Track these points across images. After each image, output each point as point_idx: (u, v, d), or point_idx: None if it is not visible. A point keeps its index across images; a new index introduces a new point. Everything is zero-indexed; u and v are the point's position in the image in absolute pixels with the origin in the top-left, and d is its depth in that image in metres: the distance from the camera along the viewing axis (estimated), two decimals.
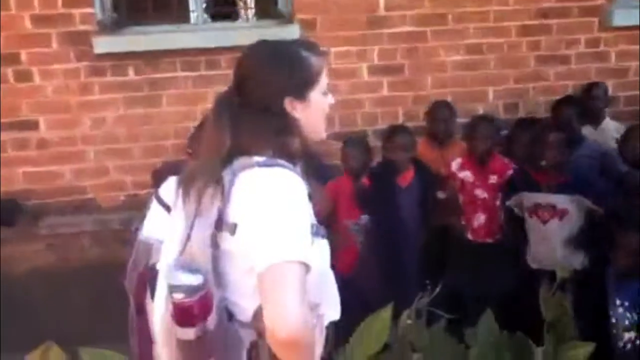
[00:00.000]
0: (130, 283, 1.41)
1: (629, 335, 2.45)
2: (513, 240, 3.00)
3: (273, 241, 1.21)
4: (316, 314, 1.33)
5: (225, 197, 1.26)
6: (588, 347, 2.32)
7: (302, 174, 1.33)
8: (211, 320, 1.24)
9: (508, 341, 2.46)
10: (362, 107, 3.69)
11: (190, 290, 1.21)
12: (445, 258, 3.13)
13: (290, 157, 1.33)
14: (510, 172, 3.09)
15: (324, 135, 1.42)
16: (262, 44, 1.40)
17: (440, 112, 3.50)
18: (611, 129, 3.41)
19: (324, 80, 1.39)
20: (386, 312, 2.35)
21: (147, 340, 1.37)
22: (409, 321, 2.29)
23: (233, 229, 1.25)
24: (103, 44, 3.46)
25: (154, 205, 1.47)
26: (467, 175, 3.13)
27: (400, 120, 3.67)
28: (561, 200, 2.79)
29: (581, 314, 2.58)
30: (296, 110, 1.35)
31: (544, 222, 2.83)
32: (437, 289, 2.48)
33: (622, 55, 3.86)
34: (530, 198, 2.87)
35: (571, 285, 2.63)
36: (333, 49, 3.65)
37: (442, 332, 2.45)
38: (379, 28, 3.67)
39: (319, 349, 1.32)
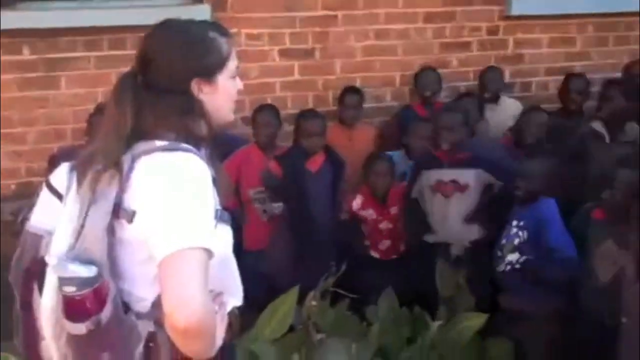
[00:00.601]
0: (15, 278, 1.33)
1: (512, 256, 2.62)
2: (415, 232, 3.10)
3: (174, 227, 1.18)
4: (219, 300, 1.33)
5: (123, 183, 1.22)
6: (480, 319, 2.49)
7: (208, 158, 1.30)
8: (105, 313, 1.20)
9: (407, 317, 2.60)
10: (272, 91, 3.70)
11: (82, 282, 1.17)
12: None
13: (194, 140, 1.30)
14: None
15: (231, 118, 1.41)
16: (169, 23, 1.36)
17: (349, 97, 3.58)
18: (511, 107, 3.63)
19: (232, 64, 1.36)
20: (292, 295, 2.40)
21: (34, 337, 1.31)
22: (313, 302, 2.36)
23: (131, 216, 1.22)
24: None
25: (44, 193, 1.36)
26: (369, 213, 3.19)
27: (310, 105, 3.70)
28: (462, 175, 2.95)
29: (475, 286, 2.75)
30: (203, 92, 1.33)
31: (447, 197, 2.97)
32: (342, 270, 2.58)
33: (519, 43, 4.09)
34: (434, 175, 3.00)
35: (465, 260, 2.79)
36: (244, 31, 3.64)
37: (346, 311, 2.54)
38: (291, 11, 3.68)
39: (220, 336, 1.31)
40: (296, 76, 3.76)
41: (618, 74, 4.05)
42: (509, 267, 2.65)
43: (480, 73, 3.88)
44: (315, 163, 3.18)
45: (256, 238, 3.15)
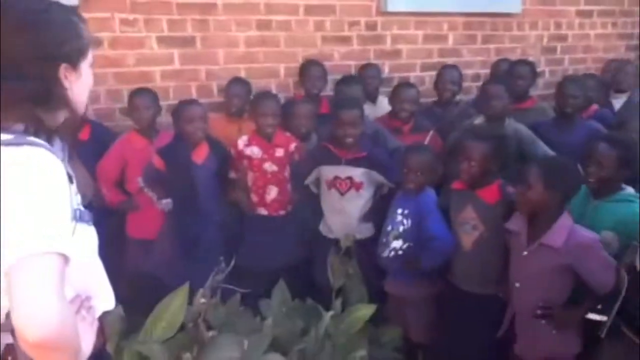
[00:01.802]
0: None
1: (396, 243, 2.73)
2: (308, 212, 3.13)
3: (23, 231, 1.06)
4: (87, 305, 1.25)
5: None
6: (370, 309, 2.55)
7: (64, 152, 1.21)
8: None
9: (300, 309, 2.60)
10: (153, 80, 3.53)
11: None
12: (238, 233, 3.17)
13: (46, 133, 1.18)
14: (294, 144, 3.22)
15: (84, 109, 1.31)
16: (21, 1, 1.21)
17: (236, 87, 3.52)
18: (386, 107, 3.74)
19: (90, 52, 1.29)
20: (182, 292, 2.31)
21: None
22: (202, 300, 2.27)
23: None
24: None
25: None
26: (254, 151, 3.18)
27: (194, 95, 3.59)
28: (357, 173, 3.00)
29: (367, 279, 2.82)
30: (68, 80, 1.23)
31: (342, 193, 3.01)
32: (231, 265, 2.51)
33: (395, 38, 4.24)
34: (330, 171, 3.03)
35: (356, 253, 2.84)
36: (117, 15, 3.43)
37: (237, 306, 2.49)
38: None
39: (90, 343, 1.24)
40: (177, 65, 3.62)
41: (486, 71, 4.36)
42: (392, 253, 2.74)
43: (360, 69, 3.98)
44: (200, 154, 3.09)
45: (146, 226, 3.07)
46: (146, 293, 2.61)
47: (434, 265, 2.67)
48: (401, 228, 2.72)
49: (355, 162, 3.00)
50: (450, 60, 4.24)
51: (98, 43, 3.32)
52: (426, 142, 3.29)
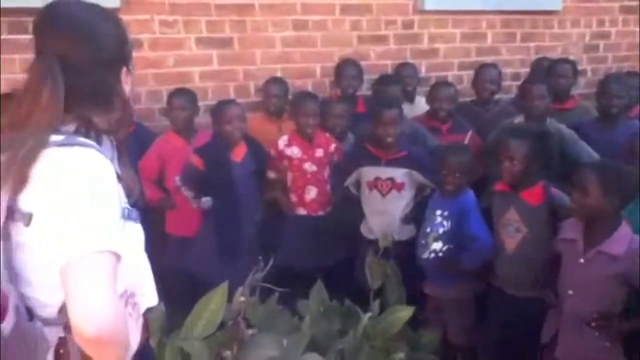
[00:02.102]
0: None
1: (436, 245, 2.70)
2: (349, 213, 3.12)
3: (77, 231, 1.09)
4: (132, 302, 1.28)
5: (18, 182, 1.11)
6: (408, 311, 2.53)
7: (113, 151, 1.23)
8: (6, 324, 1.10)
9: (338, 309, 2.59)
10: (191, 81, 3.57)
11: None
12: (279, 232, 3.18)
13: (96, 134, 1.21)
14: (334, 145, 3.23)
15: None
16: (79, 4, 1.25)
17: (273, 87, 3.54)
18: (423, 106, 3.71)
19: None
20: (222, 291, 2.33)
21: None
22: (242, 298, 2.29)
23: (28, 219, 1.12)
24: None
25: None
26: (294, 151, 3.19)
27: (232, 95, 3.62)
28: (398, 174, 2.97)
29: (406, 280, 2.80)
30: (125, 82, 1.28)
31: (384, 194, 2.99)
32: (270, 264, 2.53)
33: (433, 37, 4.20)
34: (371, 172, 3.01)
35: (395, 254, 2.82)
36: (157, 17, 3.47)
37: (276, 305, 2.50)
38: None
39: (136, 339, 1.26)
40: (215, 66, 3.66)
41: (525, 70, 4.28)
42: (432, 255, 2.71)
43: (397, 68, 3.95)
44: (238, 154, 3.12)
45: (184, 225, 3.12)
46: (185, 290, 2.65)
47: (474, 266, 2.63)
48: (441, 230, 2.70)
49: (395, 163, 2.99)
50: (488, 59, 4.17)
51: (138, 45, 3.37)
52: (465, 142, 3.25)
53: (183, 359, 2.17)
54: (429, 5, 4.09)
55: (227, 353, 2.18)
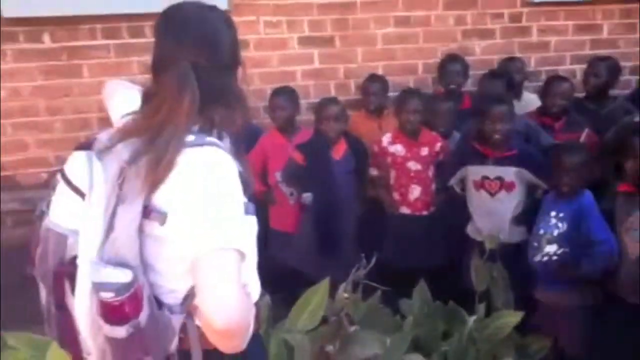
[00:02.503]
0: (44, 277, 1.27)
1: (550, 247, 2.56)
2: (453, 213, 3.05)
3: (208, 228, 1.15)
4: (245, 292, 1.29)
5: (155, 181, 1.17)
6: (516, 316, 2.42)
7: (232, 149, 1.27)
8: (143, 315, 1.17)
9: (442, 311, 2.53)
10: (293, 79, 3.62)
11: (120, 288, 1.13)
12: (381, 230, 3.15)
13: (218, 132, 1.26)
14: (439, 144, 3.16)
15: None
16: (200, 6, 1.30)
17: (372, 85, 3.52)
18: (533, 104, 3.53)
19: None
20: (324, 286, 2.35)
21: (71, 334, 1.27)
22: (345, 295, 2.29)
23: (163, 218, 1.18)
24: (12, 7, 3.17)
25: (62, 188, 1.28)
26: (398, 149, 3.16)
27: (332, 93, 3.64)
28: (508, 173, 2.86)
29: (513, 284, 2.68)
30: (241, 81, 1.33)
31: (492, 194, 2.89)
32: (372, 262, 2.51)
33: (543, 30, 4.00)
34: (478, 171, 2.91)
35: (501, 257, 2.71)
36: (262, 18, 3.55)
37: (378, 304, 2.48)
38: None
39: (250, 329, 1.29)
40: (316, 64, 3.69)
41: None
42: (546, 258, 2.58)
43: (502, 62, 3.80)
44: (339, 151, 3.13)
45: (283, 220, 3.19)
46: (287, 283, 2.69)
47: (596, 272, 2.47)
48: (555, 232, 2.55)
49: (504, 161, 2.86)
50: (605, 53, 3.91)
51: (245, 45, 3.48)
52: (581, 140, 3.06)
53: (287, 350, 2.20)
54: None
55: (330, 347, 2.19)
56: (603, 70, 3.49)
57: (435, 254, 3.04)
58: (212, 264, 1.14)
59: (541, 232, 2.61)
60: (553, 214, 2.58)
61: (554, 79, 3.41)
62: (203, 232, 1.15)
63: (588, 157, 2.58)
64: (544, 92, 3.35)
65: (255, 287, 1.39)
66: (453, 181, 3.01)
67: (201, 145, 1.20)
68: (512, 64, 3.75)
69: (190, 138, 1.20)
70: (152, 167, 1.17)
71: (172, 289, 1.24)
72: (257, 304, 1.37)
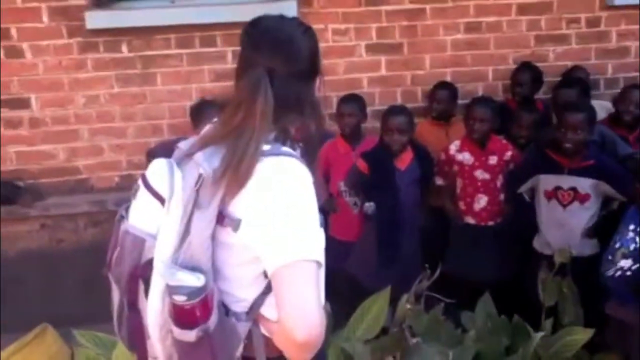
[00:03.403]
0: (118, 279, 1.30)
1: (624, 262, 2.44)
2: (521, 225, 2.97)
3: (289, 238, 1.16)
4: None
5: (232, 189, 1.19)
6: (586, 333, 2.32)
7: (304, 159, 1.27)
8: (213, 320, 1.19)
9: (506, 325, 2.46)
10: (360, 87, 3.63)
11: (192, 292, 1.16)
12: (444, 241, 3.11)
13: (290, 141, 1.27)
14: (510, 152, 3.08)
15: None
16: (280, 18, 1.34)
17: (440, 92, 3.47)
18: (602, 109, 3.38)
19: None
20: (384, 296, 2.35)
21: (140, 336, 1.31)
22: (408, 305, 2.27)
23: (237, 225, 1.19)
24: (95, 19, 3.37)
25: (143, 193, 1.30)
26: (466, 157, 3.10)
27: (398, 101, 3.62)
28: (583, 184, 2.75)
29: (583, 300, 2.58)
30: (318, 90, 1.34)
31: (564, 205, 2.79)
32: (437, 273, 2.47)
33: (622, 35, 3.82)
34: (551, 180, 2.83)
35: (571, 271, 2.61)
36: (330, 26, 3.58)
37: (440, 316, 2.44)
38: (378, 5, 3.59)
39: None
40: (383, 71, 3.68)
41: None
42: (619, 273, 2.45)
43: (568, 71, 3.65)
44: (404, 160, 3.10)
45: (345, 229, 3.15)
46: (347, 292, 2.69)
47: None
48: (632, 246, 2.43)
49: (581, 172, 2.75)
50: None
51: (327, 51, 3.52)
52: None
53: (345, 359, 2.21)
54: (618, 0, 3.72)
55: (390, 358, 2.18)
56: None
57: (500, 266, 2.96)
58: (296, 276, 1.14)
59: (617, 245, 2.49)
60: (632, 227, 2.46)
61: (629, 87, 3.26)
62: (285, 242, 1.15)
63: None
64: (618, 100, 3.21)
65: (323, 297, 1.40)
66: (523, 189, 2.91)
67: (277, 155, 1.22)
68: (576, 72, 3.61)
69: (266, 147, 1.22)
70: (231, 174, 1.19)
71: (242, 297, 1.26)
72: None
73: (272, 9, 3.37)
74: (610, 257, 2.50)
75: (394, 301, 2.41)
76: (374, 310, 2.32)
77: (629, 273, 2.43)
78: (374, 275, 2.82)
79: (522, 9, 3.72)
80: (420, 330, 2.30)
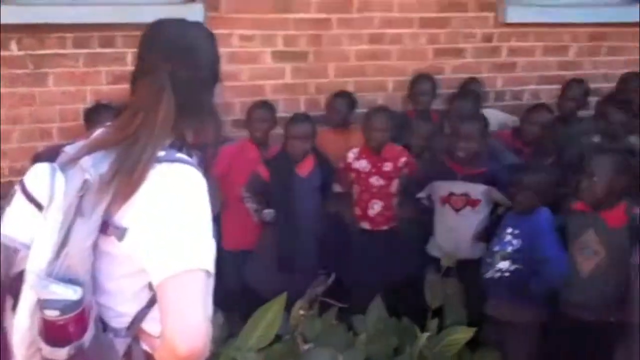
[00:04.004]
0: None
1: (503, 264, 2.60)
2: (413, 231, 3.09)
3: (176, 247, 1.11)
4: None
5: (119, 198, 1.14)
6: (468, 332, 2.46)
7: (199, 166, 1.24)
8: (87, 337, 1.13)
9: (395, 327, 2.57)
10: (263, 94, 3.65)
11: (67, 306, 1.10)
12: (342, 247, 3.18)
13: (186, 147, 1.24)
14: (404, 159, 3.20)
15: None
16: (183, 22, 1.31)
17: (338, 101, 3.55)
18: (497, 118, 3.58)
19: None
20: (279, 302, 2.35)
21: (3, 354, 1.22)
22: (301, 312, 2.32)
23: (122, 234, 1.14)
24: None
25: (19, 199, 1.21)
26: (362, 164, 3.19)
27: (302, 109, 3.66)
28: (475, 190, 2.91)
29: (471, 300, 2.73)
30: (218, 96, 1.33)
31: (457, 210, 2.94)
32: (331, 279, 2.55)
33: (513, 50, 4.07)
34: (445, 187, 2.96)
35: (460, 273, 2.75)
36: (236, 32, 3.59)
37: (333, 320, 2.51)
38: (285, 13, 3.63)
39: None
40: (288, 79, 3.72)
41: (610, 84, 4.06)
42: (498, 275, 2.63)
43: (464, 84, 3.86)
44: (305, 168, 3.14)
45: (241, 238, 3.10)
46: (244, 301, 2.71)
47: (543, 291, 2.52)
48: (509, 248, 2.61)
49: (473, 178, 2.92)
50: (570, 74, 3.99)
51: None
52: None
53: None
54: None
55: None
56: (577, 93, 3.58)
57: (394, 270, 3.05)
58: (183, 286, 1.10)
59: (496, 248, 2.66)
60: (509, 230, 2.64)
61: (537, 108, 3.47)
62: (174, 250, 1.11)
63: (545, 176, 2.64)
64: (524, 118, 3.41)
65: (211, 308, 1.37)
66: (421, 194, 3.05)
67: (172, 161, 1.18)
68: (472, 85, 3.82)
69: (161, 153, 1.18)
70: (122, 181, 1.14)
71: (122, 312, 1.21)
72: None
73: (179, 12, 3.37)
74: (489, 260, 2.67)
75: (290, 307, 2.44)
76: (268, 317, 2.31)
77: (507, 274, 2.61)
78: (271, 282, 2.85)
79: (424, 23, 3.87)
80: (313, 336, 2.35)
